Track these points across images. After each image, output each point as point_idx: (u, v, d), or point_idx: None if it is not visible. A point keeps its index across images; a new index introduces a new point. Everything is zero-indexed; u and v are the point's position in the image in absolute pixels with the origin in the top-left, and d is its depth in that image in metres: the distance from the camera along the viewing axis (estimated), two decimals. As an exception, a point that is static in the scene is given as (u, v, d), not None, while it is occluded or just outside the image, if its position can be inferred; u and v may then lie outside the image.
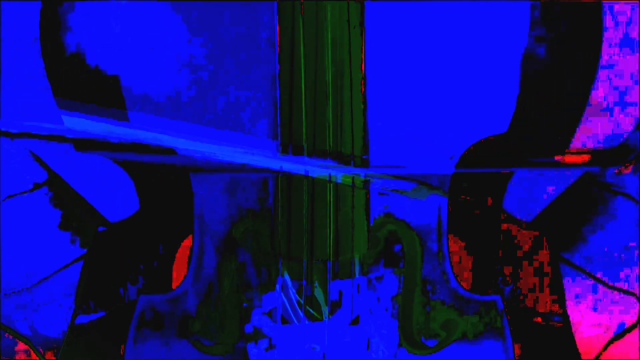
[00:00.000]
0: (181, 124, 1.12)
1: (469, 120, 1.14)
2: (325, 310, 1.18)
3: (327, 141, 1.12)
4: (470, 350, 1.21)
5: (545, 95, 1.14)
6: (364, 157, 1.14)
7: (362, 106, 1.13)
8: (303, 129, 1.12)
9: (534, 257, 1.25)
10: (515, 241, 1.24)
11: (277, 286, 1.18)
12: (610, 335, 1.27)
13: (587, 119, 1.18)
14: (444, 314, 1.21)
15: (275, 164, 1.12)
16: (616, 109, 1.20)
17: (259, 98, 1.12)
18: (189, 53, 1.11)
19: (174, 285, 1.21)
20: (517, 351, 1.23)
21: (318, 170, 1.12)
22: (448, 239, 1.20)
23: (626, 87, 1.20)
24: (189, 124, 1.12)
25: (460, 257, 1.23)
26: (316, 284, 1.18)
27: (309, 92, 1.12)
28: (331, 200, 1.15)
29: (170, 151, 1.12)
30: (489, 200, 1.23)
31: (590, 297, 1.27)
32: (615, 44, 1.18)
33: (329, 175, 1.13)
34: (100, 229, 1.22)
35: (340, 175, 1.13)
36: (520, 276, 1.25)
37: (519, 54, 1.12)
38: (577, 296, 1.27)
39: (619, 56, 1.18)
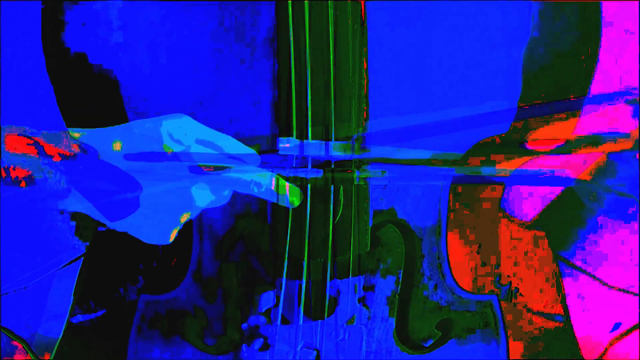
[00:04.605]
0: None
1: (470, 122, 1.14)
2: (322, 309, 1.18)
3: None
4: (467, 350, 1.21)
5: (544, 93, 1.14)
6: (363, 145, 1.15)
7: (365, 107, 1.14)
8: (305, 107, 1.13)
9: (534, 257, 1.25)
10: (515, 241, 1.24)
11: (276, 286, 1.18)
12: (612, 335, 1.27)
13: (586, 117, 1.18)
14: (441, 313, 1.21)
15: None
16: (615, 108, 1.20)
17: (260, 94, 1.13)
18: (191, 54, 1.11)
19: (173, 286, 1.21)
20: (519, 351, 1.23)
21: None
22: (447, 239, 1.20)
23: (625, 87, 1.19)
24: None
25: (458, 257, 1.23)
26: (314, 283, 1.18)
27: (311, 80, 1.12)
28: (331, 199, 1.15)
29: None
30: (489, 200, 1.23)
31: (590, 297, 1.26)
32: (615, 41, 1.18)
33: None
34: (100, 229, 1.22)
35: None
36: (520, 276, 1.24)
37: (519, 54, 1.12)
38: (577, 296, 1.26)
39: (618, 53, 1.18)
